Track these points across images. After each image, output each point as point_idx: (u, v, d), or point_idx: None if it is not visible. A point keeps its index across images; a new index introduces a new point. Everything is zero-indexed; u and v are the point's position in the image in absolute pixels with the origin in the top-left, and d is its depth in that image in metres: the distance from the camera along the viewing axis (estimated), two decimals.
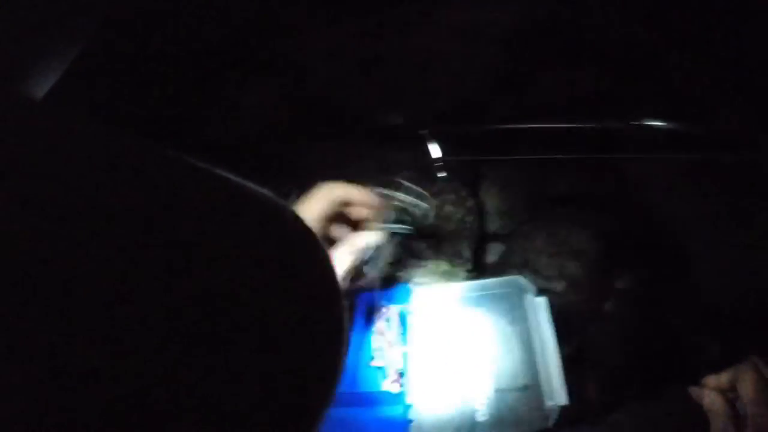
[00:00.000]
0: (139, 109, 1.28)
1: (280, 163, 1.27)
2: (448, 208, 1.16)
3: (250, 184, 0.29)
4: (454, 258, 1.13)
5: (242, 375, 0.23)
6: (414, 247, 1.11)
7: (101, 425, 0.19)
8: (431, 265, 1.11)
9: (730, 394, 0.65)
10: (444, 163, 1.16)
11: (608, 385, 1.29)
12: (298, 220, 0.30)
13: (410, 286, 1.08)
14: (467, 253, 1.15)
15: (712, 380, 0.67)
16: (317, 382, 0.27)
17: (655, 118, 1.22)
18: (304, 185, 1.22)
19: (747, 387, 0.62)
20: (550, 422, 0.95)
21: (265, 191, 0.29)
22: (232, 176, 0.28)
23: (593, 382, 1.33)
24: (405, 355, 0.99)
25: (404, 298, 1.06)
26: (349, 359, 0.98)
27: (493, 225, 1.24)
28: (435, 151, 1.14)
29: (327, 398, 0.28)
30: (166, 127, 1.31)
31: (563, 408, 0.93)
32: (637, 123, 1.23)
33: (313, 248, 0.30)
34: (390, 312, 1.05)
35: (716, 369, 1.11)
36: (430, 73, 1.32)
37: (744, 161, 1.20)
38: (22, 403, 0.17)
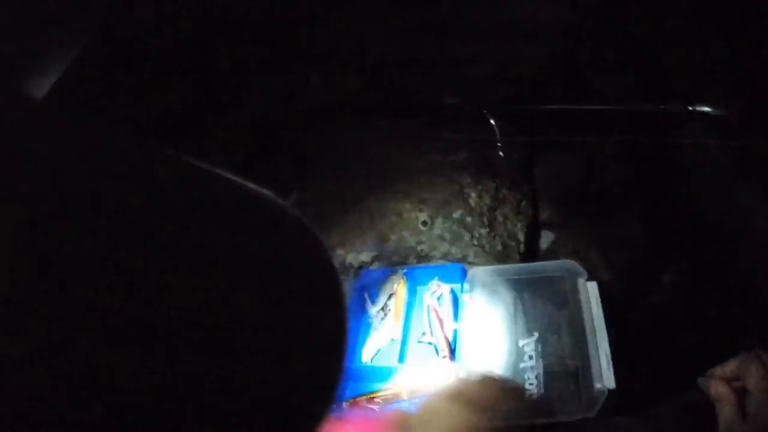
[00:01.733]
0: (141, 107, 1.29)
1: (334, 142, 1.28)
2: (504, 191, 1.17)
3: (251, 185, 0.28)
4: (508, 240, 1.14)
5: (242, 375, 0.23)
6: (471, 227, 1.12)
7: (104, 425, 0.19)
8: (487, 245, 1.11)
9: (736, 383, 0.66)
10: (501, 143, 1.16)
11: (650, 377, 1.30)
12: (298, 221, 0.29)
13: (464, 265, 1.08)
14: (521, 236, 1.15)
15: (718, 370, 0.68)
16: (319, 382, 0.27)
17: (713, 105, 1.20)
18: (355, 160, 1.23)
19: (753, 376, 0.63)
20: (596, 409, 0.95)
21: (265, 191, 0.29)
22: (232, 176, 0.28)
23: (635, 372, 1.33)
24: (456, 333, 1.00)
25: (456, 277, 1.06)
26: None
27: (545, 213, 1.24)
28: (495, 130, 1.14)
29: (329, 396, 0.27)
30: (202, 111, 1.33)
31: (606, 397, 0.93)
32: (693, 108, 1.21)
33: (315, 249, 0.30)
34: (442, 289, 1.06)
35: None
36: (487, 57, 1.32)
37: None
38: (26, 404, 0.18)
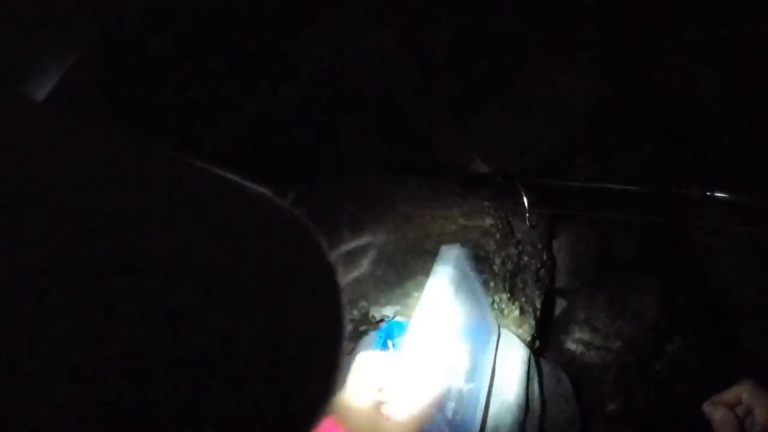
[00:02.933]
0: (140, 108, 1.32)
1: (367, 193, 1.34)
2: (526, 258, 1.23)
3: (249, 184, 0.28)
4: (526, 305, 1.20)
5: (241, 375, 0.23)
6: (492, 291, 1.18)
7: (105, 425, 0.19)
8: (506, 309, 1.17)
9: (738, 408, 0.70)
10: (530, 214, 1.22)
11: None
12: (297, 220, 0.29)
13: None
14: (538, 303, 1.21)
15: (722, 397, 0.71)
16: (317, 380, 0.27)
17: (726, 191, 1.25)
18: (387, 215, 1.29)
19: (761, 405, 0.67)
20: None
21: (264, 191, 0.29)
22: (231, 176, 0.28)
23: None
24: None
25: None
26: None
27: (560, 281, 1.30)
28: (524, 201, 1.21)
29: (327, 396, 0.28)
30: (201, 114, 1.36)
31: None
32: (709, 193, 1.26)
33: (314, 248, 0.29)
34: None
35: None
36: (519, 127, 1.39)
37: None
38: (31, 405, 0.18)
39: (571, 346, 1.32)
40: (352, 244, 1.23)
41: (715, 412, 0.68)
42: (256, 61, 1.47)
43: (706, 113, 1.42)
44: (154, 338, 0.21)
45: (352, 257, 1.24)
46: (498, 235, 1.21)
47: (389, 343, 1.05)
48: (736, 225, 1.33)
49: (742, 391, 0.68)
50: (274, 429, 0.24)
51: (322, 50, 1.46)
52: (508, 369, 1.08)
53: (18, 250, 0.19)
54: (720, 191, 1.25)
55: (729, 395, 0.69)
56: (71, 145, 0.23)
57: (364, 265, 1.22)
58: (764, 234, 1.32)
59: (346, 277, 1.20)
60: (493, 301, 1.18)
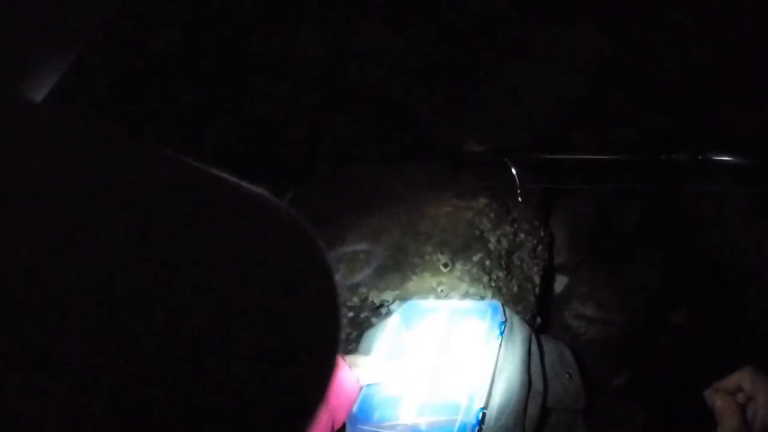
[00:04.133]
0: (139, 108, 1.33)
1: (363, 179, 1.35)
2: (522, 236, 1.23)
3: (247, 185, 0.28)
4: (525, 283, 1.20)
5: (239, 374, 0.23)
6: (489, 269, 1.18)
7: (106, 424, 0.19)
8: (504, 288, 1.17)
9: (739, 396, 0.70)
10: (521, 190, 1.22)
11: (657, 417, 1.34)
12: (295, 221, 0.29)
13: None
14: (537, 279, 1.21)
15: (722, 384, 0.71)
16: (313, 381, 0.27)
17: (724, 154, 1.23)
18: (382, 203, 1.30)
19: (763, 392, 0.67)
20: None
21: (262, 191, 0.29)
22: (229, 176, 0.28)
23: (642, 413, 1.38)
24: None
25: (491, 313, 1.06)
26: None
27: (560, 257, 1.30)
28: (514, 177, 1.20)
29: (322, 394, 0.28)
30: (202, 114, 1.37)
31: None
32: (707, 157, 1.24)
33: (311, 248, 0.30)
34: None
35: None
36: (508, 104, 1.39)
37: None
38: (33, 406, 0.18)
39: (574, 321, 1.31)
40: (353, 248, 1.24)
41: (717, 399, 0.69)
42: (254, 60, 1.48)
43: (702, 79, 1.40)
44: (153, 337, 0.21)
45: (353, 259, 1.24)
46: (492, 214, 1.21)
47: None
48: (736, 187, 1.31)
49: (742, 379, 0.68)
50: (271, 428, 0.25)
51: (313, 47, 1.47)
52: (509, 349, 1.08)
53: (19, 250, 0.19)
54: (717, 155, 1.22)
55: (729, 382, 0.69)
56: (70, 145, 0.23)
57: (365, 271, 1.22)
58: (764, 196, 1.29)
59: (347, 279, 1.22)
60: (490, 279, 1.18)
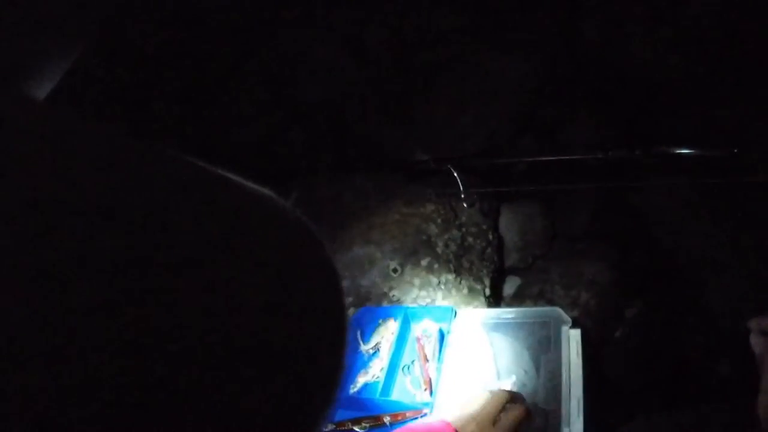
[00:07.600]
0: (141, 108, 1.35)
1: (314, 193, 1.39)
2: (470, 240, 1.27)
3: (251, 184, 0.28)
4: (474, 284, 1.23)
5: (241, 377, 0.23)
6: (438, 273, 1.22)
7: (107, 424, 0.19)
8: (453, 290, 1.21)
9: None
10: (466, 195, 1.26)
11: (618, 406, 1.36)
12: (299, 221, 0.29)
13: (453, 307, 1.14)
14: (486, 280, 1.25)
15: (753, 323, 0.74)
16: (319, 383, 0.27)
17: (666, 146, 1.26)
18: (333, 216, 1.34)
19: None
20: None
21: (266, 191, 0.29)
22: (232, 175, 0.28)
23: (603, 403, 1.40)
24: (439, 369, 1.05)
25: (447, 317, 1.11)
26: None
27: (511, 259, 1.33)
28: (459, 183, 1.24)
29: (330, 397, 0.28)
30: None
31: None
32: (647, 151, 1.27)
33: (316, 248, 0.29)
34: (430, 328, 1.12)
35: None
36: (456, 114, 1.43)
37: (754, 185, 1.24)
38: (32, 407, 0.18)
39: None
40: None
41: (751, 338, 0.73)
42: (254, 61, 1.51)
43: (641, 76, 1.44)
44: (155, 336, 0.21)
45: None
46: (439, 220, 1.25)
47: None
48: (682, 179, 1.34)
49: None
50: (277, 430, 0.25)
51: (276, 64, 1.52)
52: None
53: (22, 250, 0.19)
54: (661, 148, 1.25)
55: (759, 322, 0.73)
56: (72, 144, 0.23)
57: None
58: (710, 186, 1.33)
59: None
60: (439, 282, 1.21)
